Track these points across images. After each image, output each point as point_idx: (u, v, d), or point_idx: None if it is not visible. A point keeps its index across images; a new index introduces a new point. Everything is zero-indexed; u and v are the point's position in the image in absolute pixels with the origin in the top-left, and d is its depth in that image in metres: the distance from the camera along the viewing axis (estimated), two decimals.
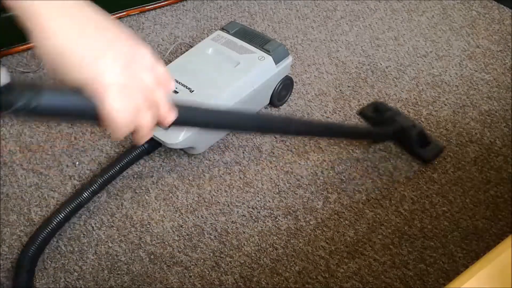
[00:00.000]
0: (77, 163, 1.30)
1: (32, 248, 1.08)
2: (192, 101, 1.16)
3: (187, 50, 1.41)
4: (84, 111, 0.49)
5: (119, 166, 1.20)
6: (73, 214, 1.15)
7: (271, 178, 1.27)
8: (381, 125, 1.31)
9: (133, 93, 0.48)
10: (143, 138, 0.53)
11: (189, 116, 0.66)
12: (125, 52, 0.49)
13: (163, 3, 1.74)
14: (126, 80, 0.48)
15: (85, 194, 1.15)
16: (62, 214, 1.12)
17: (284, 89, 1.41)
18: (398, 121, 1.29)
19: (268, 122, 0.96)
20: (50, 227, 1.10)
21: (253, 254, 1.13)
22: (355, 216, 1.19)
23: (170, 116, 0.55)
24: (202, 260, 1.12)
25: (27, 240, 1.12)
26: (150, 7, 1.72)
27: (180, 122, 0.59)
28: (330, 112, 1.42)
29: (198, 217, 1.19)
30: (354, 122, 1.40)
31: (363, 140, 1.34)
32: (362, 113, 1.40)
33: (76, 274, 1.10)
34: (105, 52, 0.47)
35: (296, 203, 1.22)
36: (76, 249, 1.14)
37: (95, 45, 0.47)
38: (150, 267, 1.11)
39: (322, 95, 1.46)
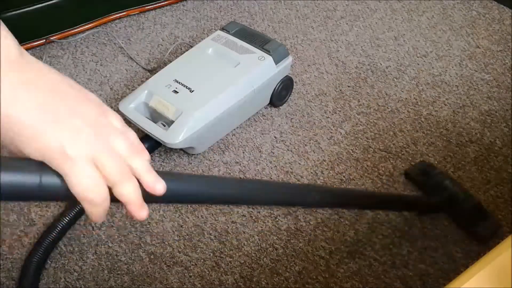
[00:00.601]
0: None
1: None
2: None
3: (187, 50, 1.41)
4: (51, 190, 0.41)
5: None
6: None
7: (271, 178, 1.27)
8: (428, 191, 1.11)
9: (105, 164, 0.42)
10: (137, 211, 0.45)
11: (182, 188, 0.54)
12: (91, 119, 0.43)
13: (163, 3, 1.74)
14: (94, 150, 0.41)
15: None
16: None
17: (284, 89, 1.41)
18: (449, 188, 1.08)
19: (285, 191, 0.75)
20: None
21: (253, 254, 1.13)
22: (355, 216, 1.19)
23: (158, 185, 0.46)
24: (202, 260, 1.12)
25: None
26: (150, 7, 1.72)
27: (171, 195, 0.48)
28: (330, 112, 1.42)
29: (198, 217, 1.19)
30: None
31: (406, 211, 1.17)
32: (408, 175, 1.23)
33: (76, 274, 1.10)
34: (67, 121, 0.41)
35: None
36: (76, 249, 1.14)
37: (55, 114, 0.41)
38: (150, 267, 1.11)
39: (322, 95, 1.46)
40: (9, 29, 0.43)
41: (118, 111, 1.33)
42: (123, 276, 1.10)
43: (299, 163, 1.30)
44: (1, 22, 0.41)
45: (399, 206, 1.07)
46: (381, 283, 1.09)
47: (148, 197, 0.45)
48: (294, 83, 1.45)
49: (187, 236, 1.16)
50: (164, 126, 1.23)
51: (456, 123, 1.39)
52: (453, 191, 1.07)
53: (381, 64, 1.55)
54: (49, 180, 0.41)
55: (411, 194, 1.22)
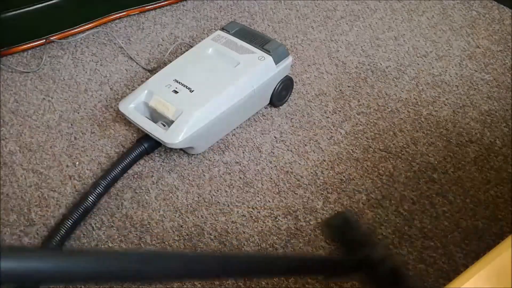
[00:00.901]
0: (77, 163, 1.30)
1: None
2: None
3: (187, 50, 1.41)
4: None
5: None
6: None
7: (271, 178, 1.27)
8: (344, 249, 0.90)
9: None
10: None
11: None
12: None
13: (163, 3, 1.74)
14: None
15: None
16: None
17: (284, 89, 1.41)
18: (367, 247, 0.88)
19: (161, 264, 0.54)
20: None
21: None
22: (355, 216, 1.19)
23: None
24: None
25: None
26: (150, 7, 1.72)
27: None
28: (330, 112, 1.42)
29: (198, 217, 1.19)
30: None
31: (314, 276, 1.03)
32: (326, 226, 1.02)
33: None
34: None
35: (296, 203, 1.22)
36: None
37: None
38: None
39: (322, 95, 1.46)
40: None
41: (118, 111, 1.33)
42: None
43: (299, 163, 1.30)
44: None
45: (304, 271, 0.86)
46: None
47: None
48: (294, 83, 1.45)
49: (187, 236, 1.16)
50: (164, 126, 1.23)
51: (456, 123, 1.39)
52: (371, 250, 0.87)
53: (381, 64, 1.55)
54: None
55: (320, 255, 1.11)
